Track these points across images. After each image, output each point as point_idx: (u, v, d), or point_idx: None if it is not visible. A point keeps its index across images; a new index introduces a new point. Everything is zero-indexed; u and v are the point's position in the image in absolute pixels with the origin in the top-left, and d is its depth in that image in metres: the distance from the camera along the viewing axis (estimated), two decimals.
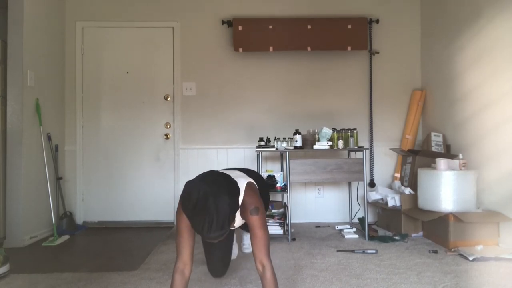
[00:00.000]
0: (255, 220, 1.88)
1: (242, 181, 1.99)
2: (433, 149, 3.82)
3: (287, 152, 3.51)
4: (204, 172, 1.92)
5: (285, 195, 3.94)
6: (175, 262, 1.87)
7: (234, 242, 2.67)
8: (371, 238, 3.46)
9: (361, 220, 3.72)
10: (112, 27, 4.31)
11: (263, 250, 1.85)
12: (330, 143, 3.54)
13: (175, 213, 4.23)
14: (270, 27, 4.15)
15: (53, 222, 3.67)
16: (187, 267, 1.86)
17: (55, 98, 4.06)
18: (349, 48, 4.16)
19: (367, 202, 3.67)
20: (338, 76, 4.35)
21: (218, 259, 2.39)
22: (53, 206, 3.72)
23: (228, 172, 2.09)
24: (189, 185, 1.74)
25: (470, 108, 3.49)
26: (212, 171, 1.97)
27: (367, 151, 4.22)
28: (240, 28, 4.15)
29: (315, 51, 4.24)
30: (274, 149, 3.62)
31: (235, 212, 1.72)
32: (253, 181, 2.08)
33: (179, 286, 1.82)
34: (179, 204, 1.88)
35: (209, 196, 1.64)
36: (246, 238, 2.86)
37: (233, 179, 1.89)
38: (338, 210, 4.29)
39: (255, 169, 4.08)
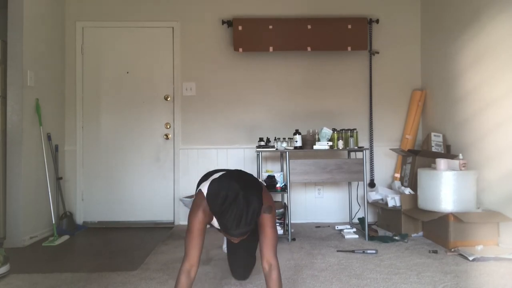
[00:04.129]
0: (267, 218, 1.88)
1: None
2: (433, 149, 3.82)
3: (287, 152, 3.51)
4: (227, 171, 1.94)
5: (285, 195, 3.93)
6: (182, 262, 1.85)
7: None
8: (371, 238, 3.46)
9: (361, 220, 3.72)
10: (112, 27, 4.31)
11: (271, 249, 1.86)
12: (330, 143, 3.54)
13: (175, 213, 4.24)
14: (270, 27, 4.15)
15: (53, 222, 3.67)
16: (193, 268, 1.85)
17: (55, 98, 4.06)
18: (349, 48, 4.15)
19: (367, 202, 3.67)
20: (338, 76, 4.35)
21: (242, 262, 2.38)
22: (53, 206, 3.72)
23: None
24: (216, 183, 1.77)
25: (470, 108, 3.49)
26: (235, 170, 2.00)
27: (367, 151, 4.22)
28: (240, 28, 4.15)
29: (315, 51, 4.24)
30: (274, 149, 3.61)
31: (262, 206, 1.75)
32: (262, 182, 2.13)
33: (184, 287, 1.81)
34: (195, 204, 1.88)
35: (239, 191, 1.68)
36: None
37: (255, 177, 1.91)
38: (338, 210, 4.29)
39: (255, 169, 4.08)
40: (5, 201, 3.46)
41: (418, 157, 3.73)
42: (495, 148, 3.17)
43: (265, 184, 2.15)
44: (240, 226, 1.64)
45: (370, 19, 4.29)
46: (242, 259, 2.38)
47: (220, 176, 1.84)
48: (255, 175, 3.46)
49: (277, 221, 3.47)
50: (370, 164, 4.29)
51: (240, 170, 2.02)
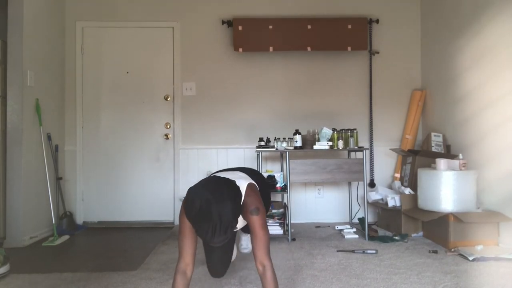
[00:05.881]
0: (255, 220, 1.89)
1: (243, 183, 1.99)
2: (433, 149, 3.82)
3: (287, 152, 3.51)
4: (206, 178, 1.90)
5: (285, 195, 3.93)
6: (177, 263, 1.87)
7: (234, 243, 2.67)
8: (371, 238, 3.46)
9: (361, 220, 3.72)
10: (112, 27, 4.31)
11: (263, 250, 1.86)
12: (330, 143, 3.54)
13: (175, 213, 4.24)
14: (270, 27, 4.15)
15: (53, 222, 3.67)
16: (189, 267, 1.86)
17: (55, 98, 4.06)
18: (349, 48, 4.16)
19: (367, 202, 3.67)
20: (338, 76, 4.35)
21: (218, 260, 2.38)
22: (53, 206, 3.72)
23: (230, 174, 2.08)
24: (192, 192, 1.74)
25: (470, 108, 3.49)
26: (214, 176, 1.96)
27: (367, 151, 4.22)
28: (240, 28, 4.15)
29: (315, 51, 4.24)
30: (274, 149, 3.62)
31: (238, 216, 1.73)
32: (254, 183, 2.09)
33: (181, 286, 1.82)
34: (182, 207, 1.88)
35: (212, 204, 1.64)
36: (244, 239, 2.86)
37: (235, 184, 1.88)
38: (338, 210, 4.29)
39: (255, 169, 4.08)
40: (5, 201, 3.46)
41: (418, 157, 3.73)
42: (495, 148, 3.17)
43: (253, 183, 2.08)
44: (215, 236, 1.64)
45: (370, 19, 4.29)
46: (219, 260, 2.37)
47: (198, 182, 1.81)
48: None
49: (277, 221, 3.48)
50: (370, 164, 4.29)
51: (219, 177, 1.93)
